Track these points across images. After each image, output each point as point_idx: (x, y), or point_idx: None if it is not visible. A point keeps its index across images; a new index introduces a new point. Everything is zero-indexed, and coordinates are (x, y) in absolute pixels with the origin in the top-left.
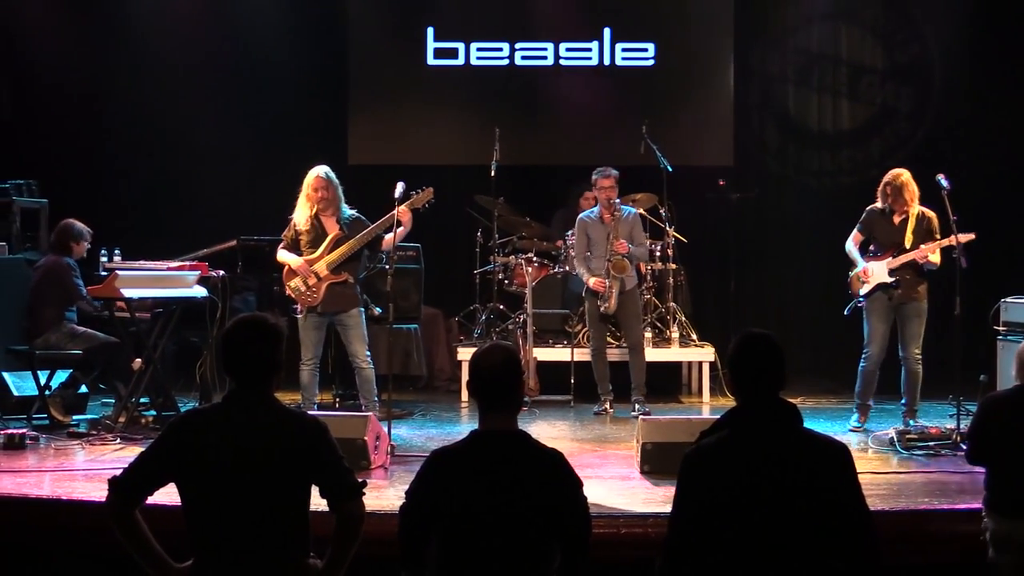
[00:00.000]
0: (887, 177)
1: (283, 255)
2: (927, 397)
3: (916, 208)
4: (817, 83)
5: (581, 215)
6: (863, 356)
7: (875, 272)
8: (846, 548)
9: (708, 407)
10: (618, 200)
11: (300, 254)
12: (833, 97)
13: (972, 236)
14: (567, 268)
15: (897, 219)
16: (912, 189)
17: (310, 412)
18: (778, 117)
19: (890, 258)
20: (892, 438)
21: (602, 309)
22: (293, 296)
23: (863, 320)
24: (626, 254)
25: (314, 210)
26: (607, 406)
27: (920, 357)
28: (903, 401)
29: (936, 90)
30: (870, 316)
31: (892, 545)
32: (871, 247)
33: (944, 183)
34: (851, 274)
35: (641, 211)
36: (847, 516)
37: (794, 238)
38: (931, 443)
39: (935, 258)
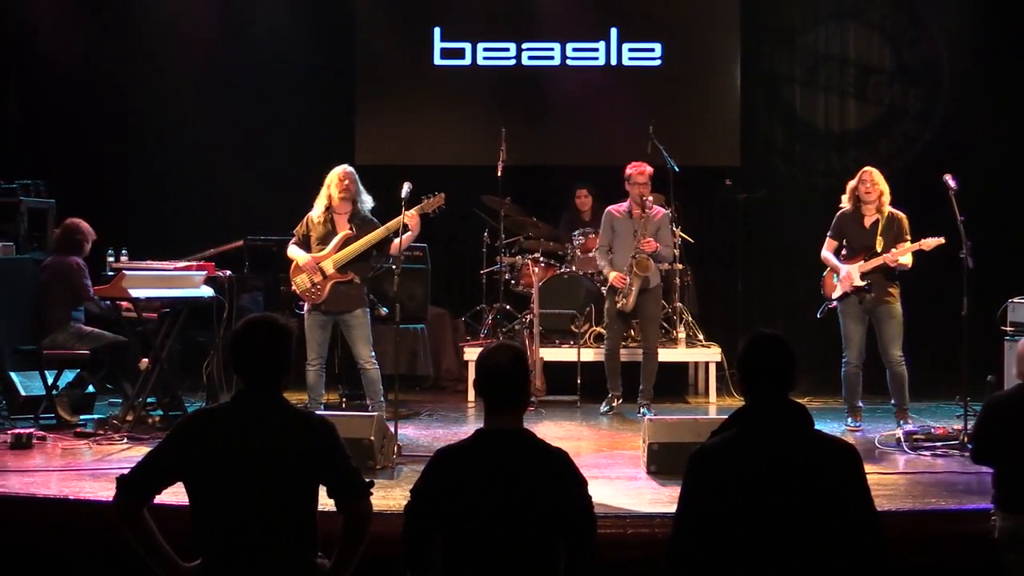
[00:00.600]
0: (860, 175)
1: (293, 251)
2: (935, 397)
3: (886, 209)
4: (824, 83)
5: (609, 208)
6: (843, 361)
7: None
8: (854, 549)
9: (715, 407)
10: (651, 198)
11: (310, 251)
12: (840, 97)
13: (941, 241)
14: (573, 268)
15: (867, 222)
16: (882, 188)
17: (317, 412)
18: (785, 117)
19: (861, 261)
20: (899, 438)
21: (618, 305)
22: (298, 292)
23: (839, 324)
24: (652, 253)
25: (337, 201)
26: (615, 404)
27: (903, 358)
28: (893, 403)
29: (944, 90)
30: (844, 320)
31: (899, 546)
32: (843, 251)
33: (952, 183)
34: (824, 275)
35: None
36: (855, 517)
37: (801, 238)
38: (938, 443)
39: (906, 260)
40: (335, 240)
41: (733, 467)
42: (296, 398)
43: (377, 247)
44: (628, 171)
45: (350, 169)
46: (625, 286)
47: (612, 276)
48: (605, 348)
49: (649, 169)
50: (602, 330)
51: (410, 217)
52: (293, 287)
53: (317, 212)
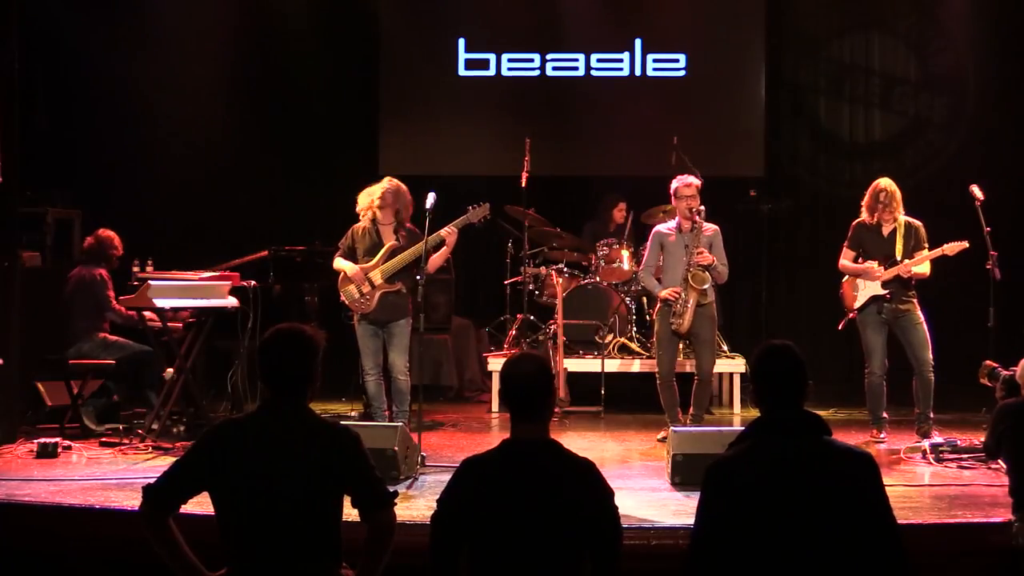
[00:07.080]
0: (877, 186)
1: (339, 263)
2: (961, 409)
3: (903, 218)
4: (849, 94)
5: (658, 227)
6: (866, 372)
7: (867, 285)
8: (873, 558)
9: (739, 419)
10: (702, 208)
11: (356, 263)
12: (865, 108)
13: (965, 245)
14: (598, 279)
15: (886, 230)
16: (898, 198)
17: (342, 422)
18: (810, 128)
19: (882, 270)
20: (924, 450)
21: (673, 326)
22: (347, 303)
23: (860, 335)
24: (708, 266)
25: (379, 213)
26: None
27: (933, 364)
28: (917, 410)
29: (970, 100)
30: (865, 330)
31: (925, 559)
32: (859, 261)
33: (978, 194)
34: (842, 287)
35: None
36: (873, 525)
37: (825, 249)
38: (964, 456)
39: (922, 270)
40: (382, 251)
41: (749, 479)
42: (320, 408)
43: (416, 261)
44: (674, 185)
45: (392, 184)
46: (679, 301)
47: (667, 292)
48: (659, 376)
49: (697, 181)
50: (625, 340)
51: (448, 233)
52: (342, 297)
53: (361, 224)
